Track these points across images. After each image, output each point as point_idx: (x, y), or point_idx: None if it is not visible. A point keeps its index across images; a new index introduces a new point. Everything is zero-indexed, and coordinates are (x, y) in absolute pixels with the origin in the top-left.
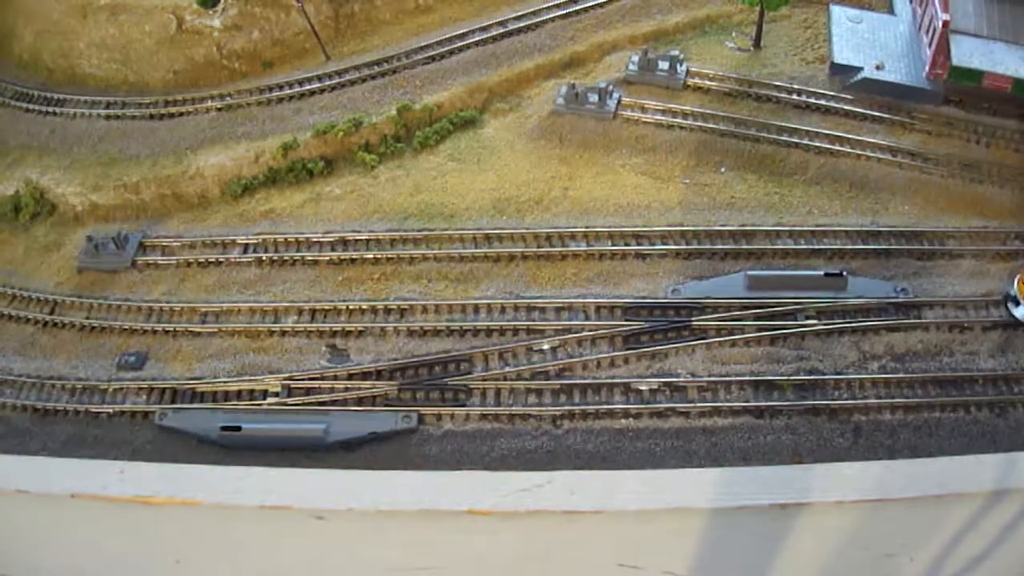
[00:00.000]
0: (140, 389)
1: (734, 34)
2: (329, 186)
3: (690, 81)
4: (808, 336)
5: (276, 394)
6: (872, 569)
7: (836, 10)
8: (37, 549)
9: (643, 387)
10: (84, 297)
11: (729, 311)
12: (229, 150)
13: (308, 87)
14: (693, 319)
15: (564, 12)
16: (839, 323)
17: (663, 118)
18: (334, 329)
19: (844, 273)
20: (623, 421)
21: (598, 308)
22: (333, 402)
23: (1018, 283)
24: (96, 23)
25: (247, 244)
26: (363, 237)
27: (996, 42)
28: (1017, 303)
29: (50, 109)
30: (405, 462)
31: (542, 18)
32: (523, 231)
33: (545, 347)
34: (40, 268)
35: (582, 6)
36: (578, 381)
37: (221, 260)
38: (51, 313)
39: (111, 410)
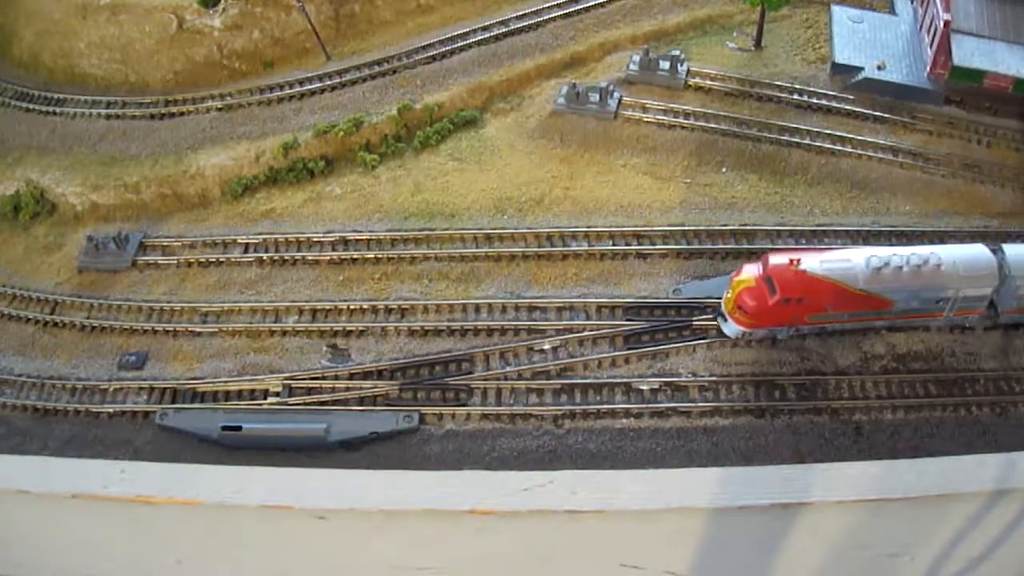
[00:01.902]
0: (141, 389)
1: (735, 34)
2: (330, 186)
3: (691, 81)
4: (809, 336)
5: (277, 394)
6: (873, 569)
7: (837, 10)
8: (38, 549)
9: (644, 387)
10: (84, 297)
11: None
12: (230, 150)
13: (309, 87)
14: (694, 319)
15: (565, 12)
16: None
17: (664, 118)
18: (335, 329)
19: None
20: (624, 421)
21: (599, 308)
22: (334, 402)
23: (724, 300)
24: (96, 23)
25: (248, 244)
26: (364, 237)
27: (997, 42)
28: (725, 319)
29: (50, 109)
30: (406, 462)
31: (543, 18)
32: (524, 231)
33: (546, 347)
34: (40, 268)
35: (583, 6)
36: (579, 381)
37: (222, 260)
38: (51, 313)
39: (112, 410)
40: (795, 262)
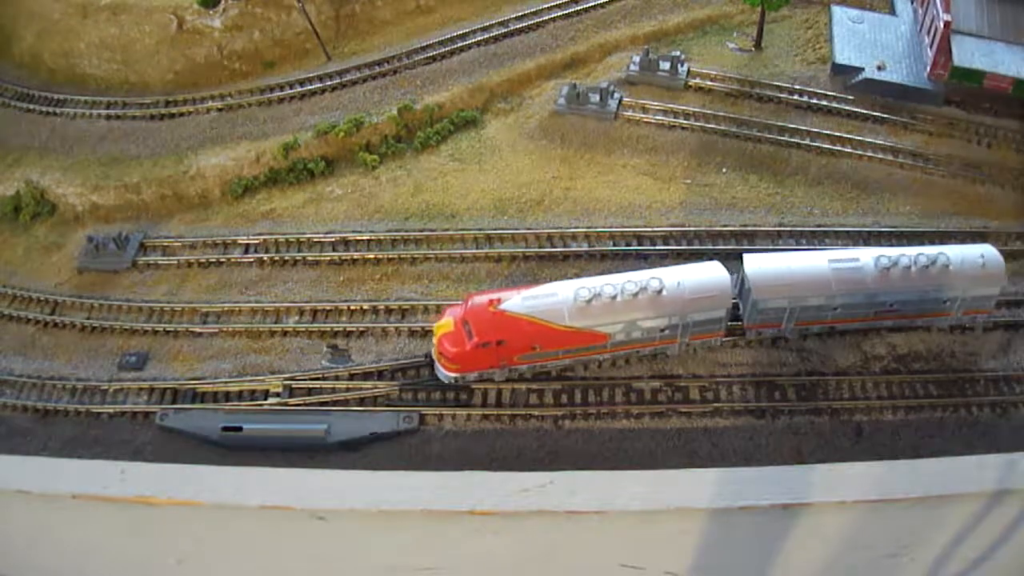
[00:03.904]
0: (141, 389)
1: (735, 34)
2: (330, 186)
3: (691, 81)
4: (809, 336)
5: (277, 394)
6: (873, 569)
7: (837, 10)
8: (38, 549)
9: (644, 387)
10: (85, 297)
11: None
12: (230, 150)
13: (309, 87)
14: None
15: (565, 12)
16: None
17: (664, 118)
18: (335, 329)
19: None
20: (624, 421)
21: None
22: (334, 402)
23: (434, 347)
24: (96, 23)
25: (248, 244)
26: (364, 237)
27: (997, 42)
28: (436, 364)
29: (51, 109)
30: (406, 463)
31: (543, 18)
32: (524, 231)
33: None
34: (41, 268)
35: (583, 6)
36: (579, 381)
37: (222, 260)
38: (52, 313)
39: (112, 410)
40: (494, 303)
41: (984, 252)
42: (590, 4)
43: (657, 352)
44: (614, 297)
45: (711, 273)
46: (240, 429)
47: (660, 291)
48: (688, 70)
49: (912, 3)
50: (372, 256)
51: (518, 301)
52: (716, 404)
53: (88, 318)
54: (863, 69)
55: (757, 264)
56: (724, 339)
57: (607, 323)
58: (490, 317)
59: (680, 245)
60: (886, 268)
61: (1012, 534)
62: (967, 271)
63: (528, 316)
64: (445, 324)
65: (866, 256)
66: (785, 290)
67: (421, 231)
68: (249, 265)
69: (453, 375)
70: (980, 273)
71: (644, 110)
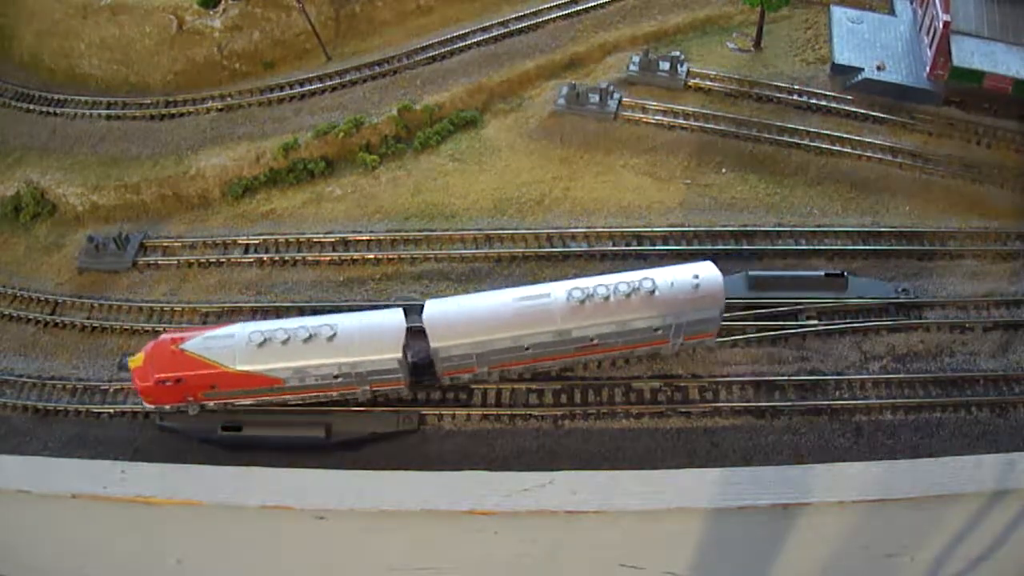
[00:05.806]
0: None
1: (735, 35)
2: (330, 186)
3: (691, 81)
4: (809, 336)
5: None
6: (873, 569)
7: (836, 11)
8: (38, 549)
9: (644, 387)
10: (85, 297)
11: (730, 311)
12: (230, 150)
13: (309, 87)
14: None
15: (565, 12)
16: (840, 323)
17: (664, 118)
18: None
19: (845, 273)
20: (624, 421)
21: None
22: (334, 402)
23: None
24: (97, 23)
25: (248, 244)
26: (364, 238)
27: (997, 43)
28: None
29: (51, 110)
30: (406, 462)
31: (543, 18)
32: (524, 231)
33: None
34: (41, 268)
35: (583, 6)
36: (579, 381)
37: (222, 260)
38: (52, 313)
39: (112, 410)
40: (177, 341)
41: (700, 272)
42: (590, 4)
43: (343, 396)
44: (285, 342)
45: (385, 320)
46: (240, 429)
47: (331, 337)
48: (688, 70)
49: (912, 3)
50: (372, 256)
51: (199, 341)
52: (716, 404)
53: (88, 318)
54: (863, 69)
55: (435, 309)
56: (405, 390)
57: (277, 368)
58: (170, 355)
59: (679, 245)
60: (580, 301)
61: (1012, 534)
62: (678, 296)
63: (202, 357)
64: (138, 358)
65: (559, 290)
66: (465, 334)
67: (421, 231)
68: (249, 265)
69: (151, 407)
70: (693, 296)
71: (644, 110)
